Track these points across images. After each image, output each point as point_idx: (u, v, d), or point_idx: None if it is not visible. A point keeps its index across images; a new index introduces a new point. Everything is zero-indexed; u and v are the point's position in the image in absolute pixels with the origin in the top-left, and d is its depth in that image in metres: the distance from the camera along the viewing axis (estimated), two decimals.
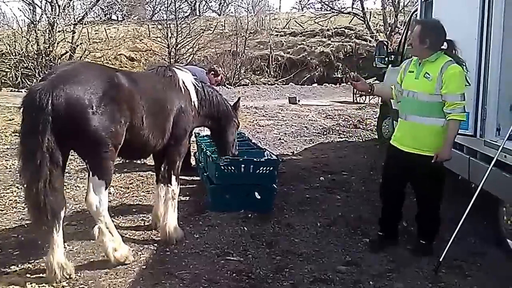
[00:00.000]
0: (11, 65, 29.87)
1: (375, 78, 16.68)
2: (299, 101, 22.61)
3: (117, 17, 52.53)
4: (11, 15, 66.14)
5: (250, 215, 6.58)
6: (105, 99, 4.59)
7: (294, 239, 5.97)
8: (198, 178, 8.46)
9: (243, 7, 56.25)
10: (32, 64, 29.98)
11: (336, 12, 41.09)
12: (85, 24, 34.69)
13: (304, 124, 15.88)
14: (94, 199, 4.76)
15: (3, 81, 29.44)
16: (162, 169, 5.93)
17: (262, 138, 13.30)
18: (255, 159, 6.90)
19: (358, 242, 5.90)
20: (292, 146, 12.34)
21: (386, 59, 11.11)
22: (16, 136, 12.25)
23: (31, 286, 4.56)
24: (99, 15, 48.63)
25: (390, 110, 10.70)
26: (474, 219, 5.82)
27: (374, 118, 15.21)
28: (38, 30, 31.85)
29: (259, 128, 15.03)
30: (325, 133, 14.24)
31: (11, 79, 29.57)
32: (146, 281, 4.78)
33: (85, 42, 33.22)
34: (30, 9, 33.56)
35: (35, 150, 4.33)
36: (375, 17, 41.27)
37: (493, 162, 5.14)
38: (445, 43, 5.28)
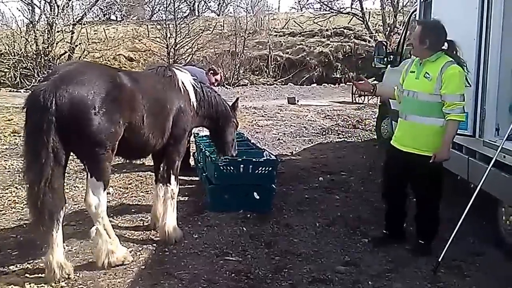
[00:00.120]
0: (10, 65, 29.87)
1: (374, 78, 16.71)
2: (298, 101, 22.61)
3: (116, 17, 52.55)
4: (10, 15, 66.17)
5: (249, 215, 6.58)
6: (108, 100, 4.59)
7: (293, 239, 5.97)
8: (197, 178, 8.46)
9: (242, 7, 56.40)
10: (31, 64, 29.99)
11: (335, 12, 41.06)
12: (84, 24, 34.73)
13: (303, 124, 15.89)
14: (93, 200, 4.76)
15: (2, 81, 29.47)
16: (161, 169, 5.93)
17: (261, 138, 13.31)
18: (254, 159, 6.89)
19: (357, 242, 5.90)
20: (291, 146, 12.34)
21: (385, 59, 11.10)
22: (15, 137, 12.27)
23: (30, 286, 4.55)
24: (98, 15, 48.76)
25: (389, 111, 10.70)
26: (473, 219, 5.82)
27: (373, 119, 15.22)
28: (37, 30, 31.85)
29: (258, 128, 15.04)
30: (324, 133, 14.24)
31: (10, 79, 29.57)
32: (145, 281, 4.78)
33: (84, 42, 33.26)
34: (29, 9, 33.65)
35: (40, 150, 4.34)
36: (374, 17, 41.24)
37: (492, 162, 5.14)
38: (445, 44, 5.29)
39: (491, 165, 5.13)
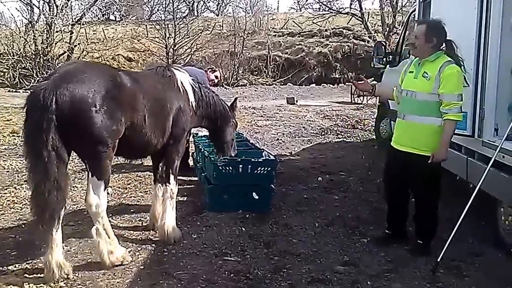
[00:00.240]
0: (9, 65, 29.90)
1: (373, 78, 16.71)
2: (297, 101, 22.65)
3: (115, 17, 52.57)
4: (9, 15, 66.13)
5: (248, 216, 6.58)
6: (108, 98, 4.60)
7: (292, 240, 5.97)
8: (196, 178, 8.46)
9: (241, 8, 56.35)
10: (30, 65, 30.03)
11: (334, 13, 41.08)
12: (83, 24, 34.78)
13: (302, 124, 15.90)
14: (94, 199, 4.76)
15: (1, 81, 29.48)
16: (160, 168, 5.94)
17: (260, 138, 13.31)
18: (253, 160, 6.89)
19: (356, 242, 5.90)
20: (290, 147, 12.35)
21: (384, 59, 11.11)
22: (14, 137, 12.27)
23: (29, 286, 4.55)
24: (97, 15, 48.73)
25: (388, 111, 10.71)
26: (472, 220, 5.83)
27: (372, 119, 15.22)
28: (36, 30, 31.87)
29: (257, 129, 15.05)
30: (323, 133, 14.26)
31: (9, 79, 29.58)
32: (143, 281, 4.77)
33: (83, 42, 33.30)
34: (28, 9, 33.67)
35: (40, 149, 4.33)
36: (373, 18, 41.27)
37: (491, 163, 5.14)
38: (443, 43, 5.31)
39: (490, 165, 5.13)
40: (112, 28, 42.64)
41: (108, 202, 4.99)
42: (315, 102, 23.89)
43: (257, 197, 6.78)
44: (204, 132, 8.05)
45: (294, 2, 69.00)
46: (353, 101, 23.26)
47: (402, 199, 5.75)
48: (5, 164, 9.50)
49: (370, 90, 6.13)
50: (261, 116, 17.76)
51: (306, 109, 19.85)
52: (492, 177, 5.16)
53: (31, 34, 31.62)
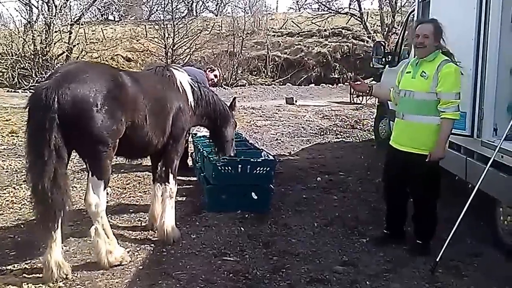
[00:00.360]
0: (7, 65, 29.84)
1: (372, 78, 16.72)
2: (296, 101, 22.63)
3: (114, 17, 52.57)
4: (7, 15, 66.04)
5: (247, 216, 6.58)
6: (109, 98, 4.62)
7: (291, 240, 5.97)
8: (195, 178, 8.46)
9: (240, 8, 56.28)
10: (29, 65, 29.98)
11: (333, 13, 41.03)
12: (82, 24, 34.72)
13: (301, 124, 15.89)
14: (93, 199, 4.77)
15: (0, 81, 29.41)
16: (160, 168, 5.95)
17: (259, 138, 13.31)
18: (252, 160, 6.89)
19: (355, 242, 5.90)
20: (289, 147, 12.34)
21: (383, 59, 11.12)
22: (13, 137, 12.26)
23: (28, 286, 4.55)
24: (96, 15, 48.71)
25: (387, 111, 10.71)
26: (471, 220, 5.84)
27: (371, 119, 15.22)
28: (35, 30, 31.82)
29: (256, 129, 15.04)
30: (322, 133, 14.25)
31: (8, 79, 29.52)
32: (142, 281, 4.77)
33: (82, 42, 33.23)
34: (26, 9, 33.58)
35: (42, 149, 4.35)
36: (372, 18, 41.26)
37: (490, 163, 5.14)
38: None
39: (489, 165, 5.14)
40: (111, 28, 42.60)
41: (107, 202, 4.99)
42: (314, 102, 23.87)
43: (256, 197, 6.78)
44: (203, 132, 8.06)
45: (293, 2, 69.08)
46: (352, 101, 23.24)
47: (401, 199, 5.76)
48: (4, 164, 9.50)
49: (367, 91, 6.15)
50: (260, 116, 17.75)
51: (305, 109, 19.84)
52: (491, 177, 5.17)
53: (30, 34, 31.56)
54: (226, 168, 6.72)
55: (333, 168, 9.81)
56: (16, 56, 30.07)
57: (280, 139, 13.33)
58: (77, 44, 32.53)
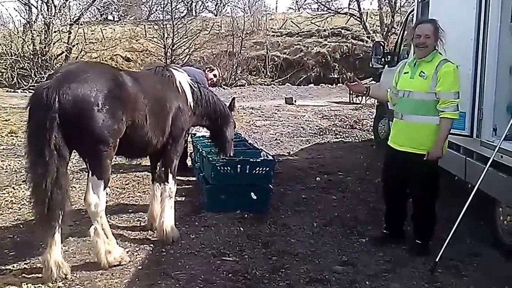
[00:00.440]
0: (7, 65, 29.85)
1: (371, 78, 16.71)
2: (295, 101, 22.63)
3: (113, 17, 52.60)
4: (6, 15, 66.09)
5: (246, 216, 6.58)
6: (110, 98, 4.63)
7: (290, 240, 5.97)
8: (194, 178, 8.45)
9: (239, 8, 56.27)
10: (28, 65, 30.00)
11: (333, 13, 41.09)
12: (81, 24, 34.73)
13: (300, 124, 15.89)
14: (93, 198, 4.77)
15: None
16: (159, 168, 5.95)
17: (258, 138, 13.30)
18: (251, 160, 6.89)
19: (354, 243, 5.90)
20: (288, 147, 12.34)
21: (383, 59, 11.12)
22: (12, 137, 12.26)
23: (27, 286, 4.54)
24: (95, 15, 48.71)
25: (386, 111, 10.70)
26: (471, 220, 5.83)
27: (371, 119, 15.23)
28: (34, 30, 31.88)
29: (255, 129, 15.04)
30: (321, 133, 14.25)
31: (7, 79, 29.53)
32: (142, 281, 4.77)
33: (81, 42, 33.22)
34: (26, 9, 33.66)
35: (43, 148, 4.35)
36: (371, 18, 41.30)
37: (489, 162, 5.14)
38: None
39: (488, 165, 5.13)
40: (110, 28, 42.61)
41: (106, 202, 4.98)
42: (313, 102, 23.87)
43: (255, 197, 6.78)
44: (202, 132, 8.05)
45: (293, 2, 69.07)
46: (352, 101, 23.24)
47: (400, 199, 5.75)
48: (3, 164, 9.50)
49: (364, 92, 6.15)
50: (260, 116, 17.75)
51: (305, 109, 19.83)
52: (491, 177, 5.17)
53: (29, 34, 31.61)
54: (225, 168, 6.72)
55: (332, 168, 9.80)
56: (15, 56, 30.10)
57: (279, 139, 13.32)
58: (76, 44, 32.56)
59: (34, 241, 5.33)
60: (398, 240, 5.78)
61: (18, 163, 9.41)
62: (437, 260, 5.03)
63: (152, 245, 5.66)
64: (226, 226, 6.23)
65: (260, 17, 44.54)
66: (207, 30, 40.25)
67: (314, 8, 45.78)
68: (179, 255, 5.38)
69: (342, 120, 16.70)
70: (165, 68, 5.93)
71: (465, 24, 5.91)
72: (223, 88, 30.25)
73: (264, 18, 44.85)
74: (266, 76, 36.07)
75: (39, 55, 30.44)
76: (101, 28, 40.04)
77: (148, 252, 5.48)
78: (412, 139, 5.32)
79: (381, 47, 11.53)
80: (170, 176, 5.80)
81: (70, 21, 33.79)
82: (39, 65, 29.95)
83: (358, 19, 39.09)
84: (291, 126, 15.49)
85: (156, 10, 47.44)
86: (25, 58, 30.46)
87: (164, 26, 33.90)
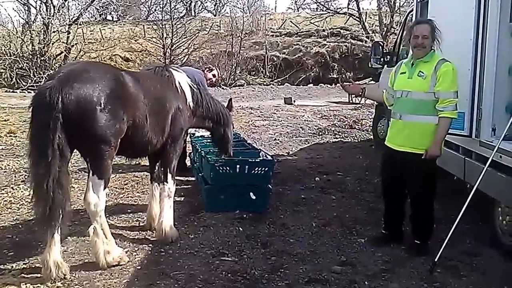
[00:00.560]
0: (6, 65, 29.80)
1: (371, 78, 16.71)
2: (294, 101, 22.62)
3: (112, 17, 52.57)
4: (5, 16, 66.08)
5: (245, 216, 6.58)
6: (112, 97, 4.65)
7: (289, 240, 5.97)
8: (193, 178, 8.45)
9: (238, 8, 56.31)
10: (27, 65, 29.97)
11: (332, 13, 41.13)
12: (80, 24, 34.66)
13: (299, 124, 15.88)
14: (93, 198, 4.78)
15: None
16: (158, 168, 5.96)
17: (257, 138, 13.30)
18: (250, 160, 6.89)
19: (353, 243, 5.90)
20: (288, 147, 12.33)
21: (382, 59, 11.13)
22: (11, 137, 12.25)
23: (26, 286, 4.54)
24: (94, 15, 48.60)
25: (385, 111, 10.68)
26: (470, 220, 5.84)
27: (370, 119, 15.23)
28: (33, 30, 31.85)
29: (254, 129, 15.03)
30: (320, 133, 14.25)
31: (6, 79, 29.51)
32: (140, 281, 4.77)
33: (80, 42, 33.17)
34: (24, 9, 33.64)
35: (46, 148, 4.36)
36: (370, 18, 41.31)
37: (488, 163, 5.14)
38: None
39: (487, 165, 5.13)
40: (109, 28, 42.56)
41: (105, 202, 4.98)
42: (312, 102, 23.87)
43: (254, 197, 6.78)
44: (201, 132, 8.05)
45: (292, 2, 69.12)
46: (351, 101, 23.21)
47: (399, 199, 5.75)
48: (2, 164, 9.49)
49: (359, 93, 6.15)
50: (259, 116, 17.74)
51: (304, 109, 19.83)
52: (490, 177, 5.17)
53: (28, 34, 31.59)
54: (224, 168, 6.72)
55: (331, 168, 9.80)
56: (14, 56, 30.05)
57: (278, 139, 13.32)
58: (75, 44, 32.50)
59: (33, 241, 5.34)
60: (397, 240, 5.78)
61: (17, 163, 9.41)
62: (436, 260, 5.03)
63: (151, 245, 5.67)
64: (225, 226, 6.23)
65: (259, 17, 44.54)
66: (206, 30, 40.21)
67: (313, 8, 45.94)
68: (178, 255, 5.38)
69: (341, 120, 16.70)
70: (164, 68, 5.95)
71: (464, 24, 5.91)
72: (222, 88, 30.26)
73: (263, 18, 44.86)
74: (265, 76, 36.05)
75: (38, 55, 30.41)
76: (100, 28, 39.98)
77: (147, 252, 5.48)
78: (410, 139, 5.31)
79: (380, 47, 11.53)
80: (169, 176, 5.80)
81: (69, 21, 33.68)
82: (38, 65, 29.92)
83: (357, 19, 39.13)
84: (290, 126, 15.49)
85: (155, 10, 47.47)
86: (24, 58, 30.43)
87: (163, 26, 33.90)
